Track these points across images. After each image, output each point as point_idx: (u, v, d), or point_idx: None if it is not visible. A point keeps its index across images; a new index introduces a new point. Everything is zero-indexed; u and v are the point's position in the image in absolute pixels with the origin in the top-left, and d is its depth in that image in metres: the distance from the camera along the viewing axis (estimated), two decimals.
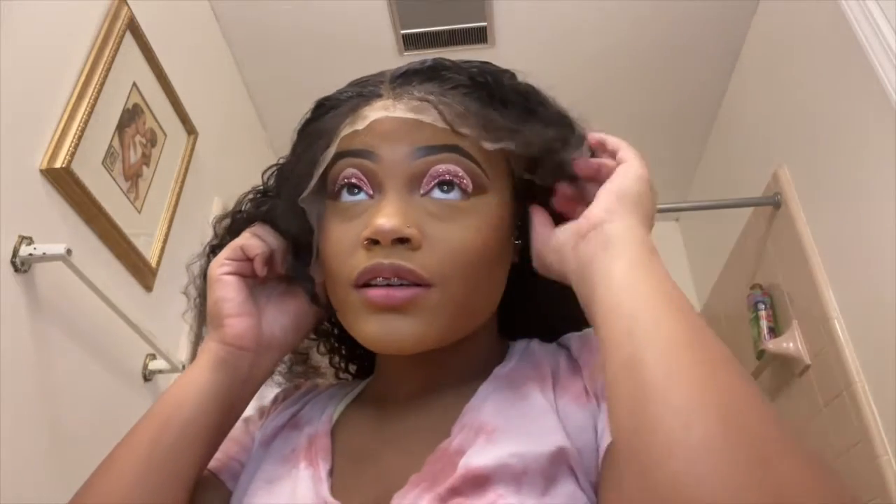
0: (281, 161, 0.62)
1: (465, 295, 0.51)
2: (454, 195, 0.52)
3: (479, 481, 0.45)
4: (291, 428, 0.60)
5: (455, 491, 0.45)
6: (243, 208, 0.62)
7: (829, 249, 1.84)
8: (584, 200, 0.54)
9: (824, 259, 1.85)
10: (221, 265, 0.56)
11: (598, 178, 0.53)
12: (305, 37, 2.26)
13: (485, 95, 0.55)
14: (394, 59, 2.31)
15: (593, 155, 0.56)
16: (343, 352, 0.68)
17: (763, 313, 2.14)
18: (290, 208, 0.56)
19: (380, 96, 0.55)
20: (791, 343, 1.96)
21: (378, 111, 0.54)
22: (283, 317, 0.57)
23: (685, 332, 0.40)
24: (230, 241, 0.59)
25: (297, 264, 0.57)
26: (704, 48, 2.32)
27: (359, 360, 0.69)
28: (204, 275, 0.61)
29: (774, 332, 2.10)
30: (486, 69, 0.57)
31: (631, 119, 2.61)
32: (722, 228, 2.57)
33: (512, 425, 0.49)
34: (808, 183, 1.94)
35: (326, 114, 0.58)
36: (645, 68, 2.41)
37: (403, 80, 0.56)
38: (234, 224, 0.61)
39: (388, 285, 0.50)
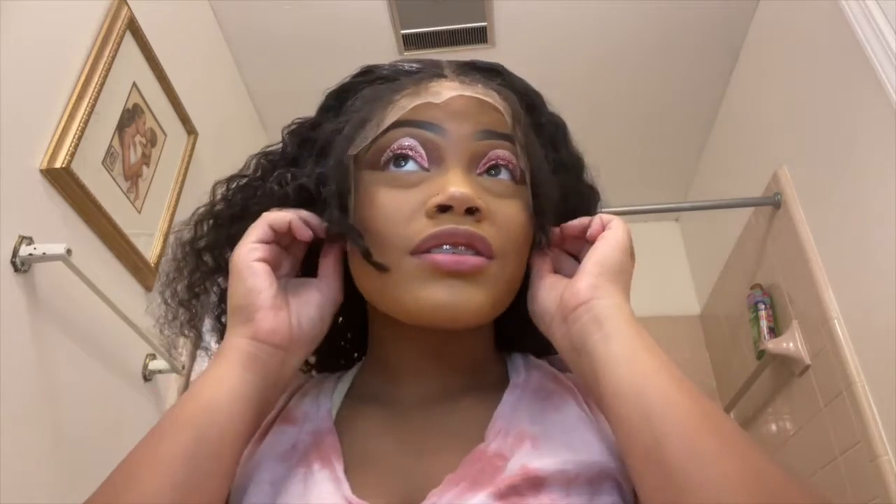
0: (300, 121, 0.61)
1: (514, 271, 0.53)
2: (504, 177, 0.54)
3: (536, 483, 0.46)
4: (283, 422, 0.56)
5: (515, 489, 0.45)
6: (251, 171, 0.59)
7: (829, 249, 1.84)
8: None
9: (824, 259, 1.85)
10: (251, 249, 0.51)
11: (586, 236, 0.55)
12: (305, 36, 2.26)
13: (531, 112, 0.59)
14: (394, 59, 2.31)
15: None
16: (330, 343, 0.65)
17: (763, 313, 2.13)
18: (334, 166, 0.54)
19: (444, 77, 0.57)
20: (791, 343, 1.96)
21: (451, 90, 0.55)
22: (309, 309, 0.53)
23: (698, 414, 0.42)
24: (227, 209, 0.58)
25: (343, 220, 0.53)
26: (704, 48, 2.32)
27: (338, 352, 0.67)
28: (190, 244, 0.58)
29: (774, 332, 2.10)
30: (531, 89, 0.60)
31: (631, 119, 2.61)
32: (722, 228, 2.57)
33: (552, 434, 0.50)
34: (808, 183, 1.94)
35: (376, 81, 0.58)
36: (645, 68, 2.41)
37: (467, 68, 0.58)
38: (242, 189, 0.59)
39: (456, 252, 0.49)
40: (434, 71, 0.57)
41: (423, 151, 0.53)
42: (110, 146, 1.46)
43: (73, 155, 1.29)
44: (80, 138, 1.31)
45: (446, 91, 0.55)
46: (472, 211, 0.50)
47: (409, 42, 2.27)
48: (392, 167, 0.53)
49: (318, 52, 2.27)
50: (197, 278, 0.58)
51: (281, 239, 0.54)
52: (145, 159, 1.62)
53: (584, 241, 0.55)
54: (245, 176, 0.60)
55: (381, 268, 0.51)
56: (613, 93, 2.51)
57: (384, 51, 2.27)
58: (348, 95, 0.59)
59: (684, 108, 2.57)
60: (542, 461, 0.47)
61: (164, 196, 1.70)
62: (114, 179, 1.47)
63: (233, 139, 2.29)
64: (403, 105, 0.54)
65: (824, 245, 1.86)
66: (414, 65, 0.59)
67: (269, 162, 0.60)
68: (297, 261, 0.57)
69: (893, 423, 1.55)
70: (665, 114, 2.60)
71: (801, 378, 1.97)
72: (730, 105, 2.49)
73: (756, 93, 2.27)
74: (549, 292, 0.53)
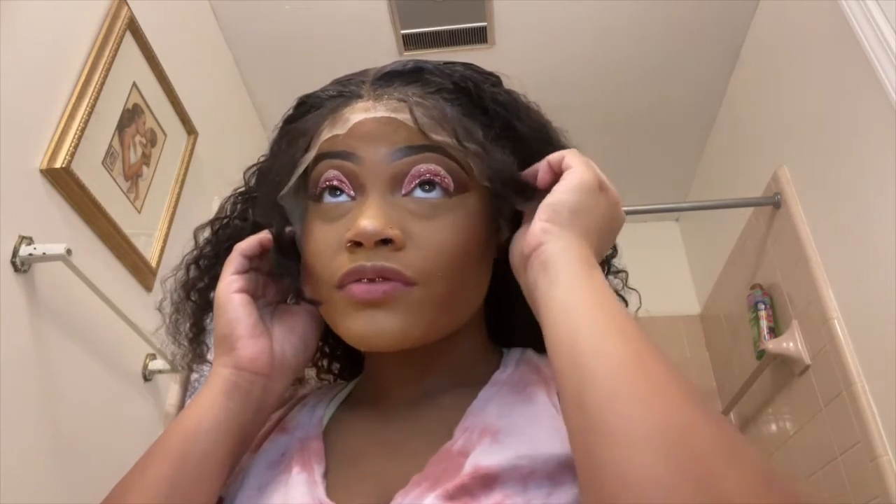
0: (261, 159, 0.62)
1: (448, 292, 0.51)
2: (436, 194, 0.52)
3: (488, 480, 0.45)
4: (279, 432, 0.59)
5: (464, 489, 0.45)
6: (226, 213, 0.62)
7: (829, 249, 1.84)
8: None
9: (824, 259, 1.85)
10: (230, 282, 0.54)
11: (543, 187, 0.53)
12: (305, 37, 2.26)
13: (466, 102, 0.55)
14: (393, 60, 2.31)
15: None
16: (326, 350, 0.67)
17: (763, 313, 2.14)
18: (270, 206, 0.56)
19: (360, 97, 0.55)
20: (791, 343, 1.96)
21: (359, 113, 0.54)
22: (291, 336, 0.56)
23: (625, 357, 0.40)
24: (212, 250, 0.60)
25: (281, 259, 0.55)
26: (704, 48, 2.32)
27: (341, 360, 0.69)
28: (183, 288, 0.60)
29: (774, 332, 2.10)
30: (468, 75, 0.57)
31: (631, 119, 2.61)
32: (722, 228, 2.57)
33: (517, 427, 0.49)
34: (808, 183, 1.94)
35: (307, 113, 0.58)
36: (645, 68, 2.41)
37: (385, 81, 0.56)
38: (220, 231, 0.61)
39: (371, 283, 0.49)
40: (352, 91, 0.56)
41: (347, 181, 0.53)
42: (110, 146, 1.46)
43: (73, 155, 1.29)
44: (80, 138, 1.31)
45: (355, 115, 0.53)
46: (386, 241, 0.49)
47: (409, 42, 2.27)
48: (328, 197, 0.53)
49: (319, 53, 2.27)
50: (197, 318, 0.61)
51: (260, 265, 0.57)
52: (145, 159, 1.62)
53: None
54: (220, 218, 0.62)
55: (314, 302, 0.54)
56: (613, 93, 2.51)
57: (384, 51, 2.27)
58: (287, 130, 0.59)
59: (684, 108, 2.58)
60: (495, 458, 0.46)
61: (164, 196, 1.70)
62: (114, 179, 1.47)
63: (233, 139, 2.29)
64: (324, 136, 0.54)
65: (824, 245, 1.86)
66: (337, 88, 0.57)
67: (236, 202, 0.62)
68: (284, 286, 0.58)
69: (893, 423, 1.55)
70: (665, 114, 2.60)
71: (801, 378, 1.97)
72: (730, 105, 2.49)
73: (756, 93, 2.27)
74: (518, 242, 0.52)
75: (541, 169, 0.53)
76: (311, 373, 0.67)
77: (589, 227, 0.50)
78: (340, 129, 0.53)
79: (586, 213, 0.50)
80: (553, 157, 0.53)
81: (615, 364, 0.40)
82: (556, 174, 0.52)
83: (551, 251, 0.48)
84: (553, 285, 0.46)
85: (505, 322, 0.62)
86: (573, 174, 0.51)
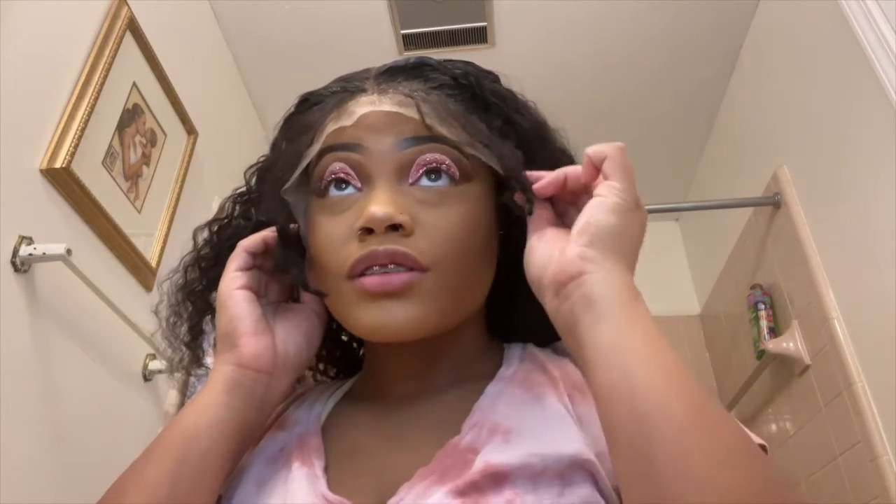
0: (262, 159, 0.62)
1: (459, 278, 0.52)
2: (442, 182, 0.52)
3: (498, 478, 0.45)
4: (277, 428, 0.58)
5: (474, 485, 0.45)
6: (226, 213, 0.61)
7: (829, 249, 1.84)
8: (563, 220, 0.52)
9: (824, 259, 1.85)
10: (232, 279, 0.54)
11: (564, 194, 0.51)
12: (305, 36, 2.26)
13: (468, 98, 0.56)
14: (393, 59, 2.31)
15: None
16: (323, 353, 0.67)
17: (763, 313, 2.14)
18: (273, 201, 0.55)
19: (365, 91, 0.56)
20: (791, 343, 1.96)
21: (364, 106, 0.54)
22: (294, 334, 0.55)
23: (687, 409, 0.40)
24: (211, 251, 0.60)
25: (286, 252, 0.55)
26: (704, 48, 2.32)
27: (338, 361, 0.69)
28: (182, 291, 0.60)
29: (774, 332, 2.10)
30: (470, 71, 0.57)
31: (631, 119, 2.61)
32: (722, 228, 2.57)
33: (527, 426, 0.49)
34: (808, 183, 1.94)
35: (310, 109, 0.58)
36: (645, 68, 2.41)
37: (388, 76, 0.57)
38: (220, 231, 0.60)
39: (384, 273, 0.49)
40: (356, 86, 0.56)
41: (353, 172, 0.53)
42: (110, 146, 1.46)
43: (73, 155, 1.29)
44: (80, 138, 1.31)
45: (360, 108, 0.54)
46: (396, 227, 0.49)
47: (409, 42, 2.27)
48: (333, 191, 0.53)
49: (318, 53, 2.27)
50: (195, 321, 0.61)
51: (263, 262, 0.57)
52: (145, 159, 1.62)
53: (579, 194, 0.51)
54: (220, 219, 0.62)
55: (320, 293, 0.54)
56: (614, 93, 2.51)
57: (384, 51, 2.27)
58: (290, 126, 0.59)
59: (684, 108, 2.58)
60: (506, 455, 0.46)
61: (164, 196, 1.70)
62: (114, 179, 1.47)
63: (233, 139, 2.29)
64: (328, 130, 0.54)
65: (824, 245, 1.86)
66: (341, 84, 0.58)
67: (237, 202, 0.62)
68: (287, 285, 0.58)
69: (893, 423, 1.55)
70: (665, 114, 2.60)
71: (801, 378, 1.97)
72: (730, 105, 2.49)
73: (756, 93, 2.27)
74: (542, 256, 0.49)
75: (583, 165, 0.50)
76: (307, 372, 0.67)
77: (629, 251, 0.48)
78: (346, 121, 0.54)
79: (624, 237, 0.47)
80: (595, 153, 0.49)
81: (680, 418, 0.39)
82: (598, 171, 0.49)
83: (594, 283, 0.45)
84: (600, 325, 0.44)
85: (503, 316, 0.62)
86: (613, 191, 0.47)
